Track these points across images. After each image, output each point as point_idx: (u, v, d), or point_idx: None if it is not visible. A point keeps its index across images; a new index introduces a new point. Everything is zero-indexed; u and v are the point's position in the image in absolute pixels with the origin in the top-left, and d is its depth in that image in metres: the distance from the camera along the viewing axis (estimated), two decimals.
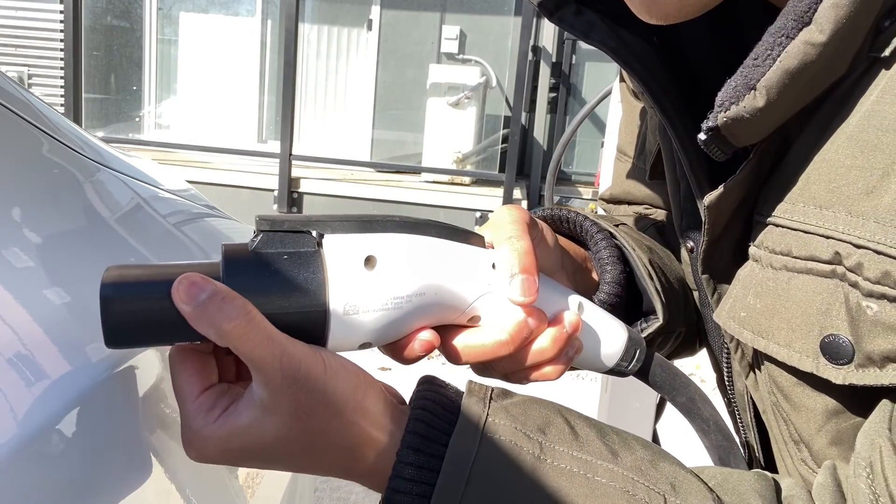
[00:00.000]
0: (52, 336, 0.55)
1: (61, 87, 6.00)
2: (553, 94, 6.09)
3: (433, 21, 6.33)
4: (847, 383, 0.42)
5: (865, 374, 0.42)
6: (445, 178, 5.65)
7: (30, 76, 6.50)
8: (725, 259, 0.54)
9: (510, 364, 0.48)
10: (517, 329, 0.46)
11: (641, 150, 0.74)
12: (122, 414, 0.57)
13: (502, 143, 6.04)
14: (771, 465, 0.61)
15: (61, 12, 6.01)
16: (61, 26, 6.05)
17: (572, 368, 0.53)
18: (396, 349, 0.46)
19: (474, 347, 0.46)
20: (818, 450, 0.47)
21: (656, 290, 0.62)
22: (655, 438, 2.05)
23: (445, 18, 6.31)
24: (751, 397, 0.59)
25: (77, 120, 5.56)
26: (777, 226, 0.46)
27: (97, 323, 0.43)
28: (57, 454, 0.49)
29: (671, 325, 0.65)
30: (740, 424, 0.64)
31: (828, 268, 0.42)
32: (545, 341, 0.47)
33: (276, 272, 0.40)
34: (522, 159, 6.04)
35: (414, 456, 0.41)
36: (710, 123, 0.45)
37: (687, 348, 0.73)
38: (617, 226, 0.66)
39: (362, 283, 0.41)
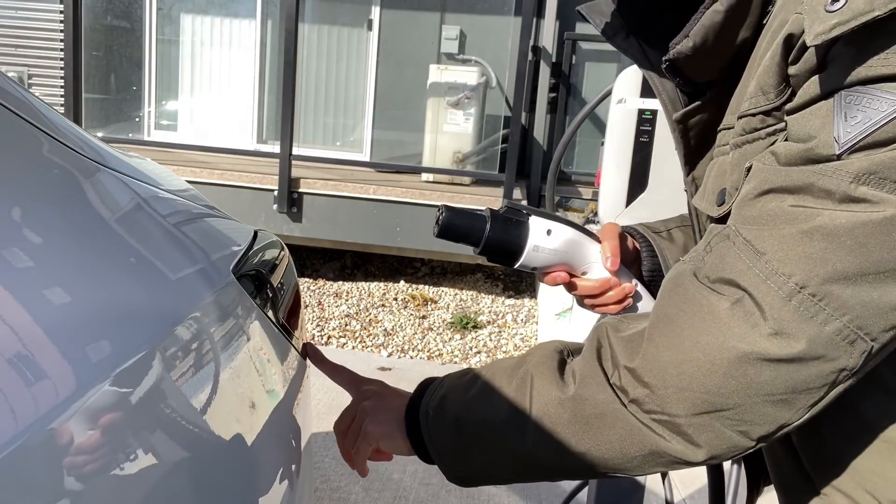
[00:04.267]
0: (52, 336, 0.55)
1: (61, 87, 6.00)
2: (553, 95, 6.08)
3: (433, 21, 6.33)
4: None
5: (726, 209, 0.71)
6: (445, 178, 5.65)
7: (30, 76, 6.50)
8: (703, 166, 0.86)
9: (596, 300, 0.96)
10: (604, 282, 0.94)
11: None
12: (122, 414, 0.57)
13: (502, 143, 6.03)
14: None
15: (61, 12, 6.01)
16: (61, 26, 6.05)
17: None
18: (546, 275, 0.93)
19: (583, 285, 0.95)
20: None
21: None
22: None
23: (445, 19, 6.31)
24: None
25: (77, 120, 5.56)
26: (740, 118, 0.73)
27: (97, 323, 0.44)
28: (57, 454, 0.49)
29: None
30: None
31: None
32: (614, 293, 0.95)
33: (510, 224, 0.90)
34: (522, 159, 6.03)
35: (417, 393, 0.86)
36: (665, 57, 0.77)
37: None
38: (658, 233, 1.04)
39: (543, 238, 0.90)
